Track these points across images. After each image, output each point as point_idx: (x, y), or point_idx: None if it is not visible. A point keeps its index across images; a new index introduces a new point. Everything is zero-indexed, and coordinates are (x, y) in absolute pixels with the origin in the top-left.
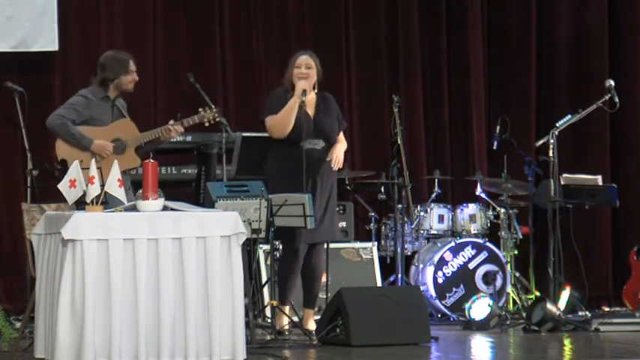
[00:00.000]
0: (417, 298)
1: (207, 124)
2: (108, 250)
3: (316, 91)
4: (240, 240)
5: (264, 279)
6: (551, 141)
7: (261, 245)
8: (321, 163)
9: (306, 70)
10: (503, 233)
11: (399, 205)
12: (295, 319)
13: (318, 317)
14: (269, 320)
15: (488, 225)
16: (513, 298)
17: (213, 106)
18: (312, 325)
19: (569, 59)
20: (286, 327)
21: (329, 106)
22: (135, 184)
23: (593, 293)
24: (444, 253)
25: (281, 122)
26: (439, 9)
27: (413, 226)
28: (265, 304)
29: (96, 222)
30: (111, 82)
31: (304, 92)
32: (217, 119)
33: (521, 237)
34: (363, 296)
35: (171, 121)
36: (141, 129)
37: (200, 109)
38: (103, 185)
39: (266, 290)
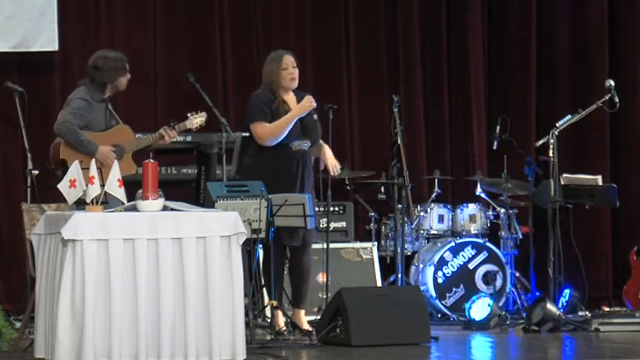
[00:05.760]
0: (417, 298)
1: (195, 130)
2: (108, 250)
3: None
4: (240, 240)
5: (264, 279)
6: (551, 141)
7: (261, 245)
8: (308, 163)
9: (293, 70)
10: (503, 233)
11: (399, 205)
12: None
13: (318, 317)
14: (269, 320)
15: (488, 225)
16: (513, 298)
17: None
18: (304, 326)
19: (569, 59)
20: (283, 327)
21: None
22: (135, 185)
23: (593, 293)
24: (444, 253)
25: (277, 133)
26: (439, 9)
27: (413, 226)
28: (265, 304)
29: (96, 222)
30: (110, 85)
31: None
32: (203, 124)
33: (521, 237)
34: (363, 296)
35: (164, 127)
36: (140, 129)
37: (189, 114)
38: (103, 185)
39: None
